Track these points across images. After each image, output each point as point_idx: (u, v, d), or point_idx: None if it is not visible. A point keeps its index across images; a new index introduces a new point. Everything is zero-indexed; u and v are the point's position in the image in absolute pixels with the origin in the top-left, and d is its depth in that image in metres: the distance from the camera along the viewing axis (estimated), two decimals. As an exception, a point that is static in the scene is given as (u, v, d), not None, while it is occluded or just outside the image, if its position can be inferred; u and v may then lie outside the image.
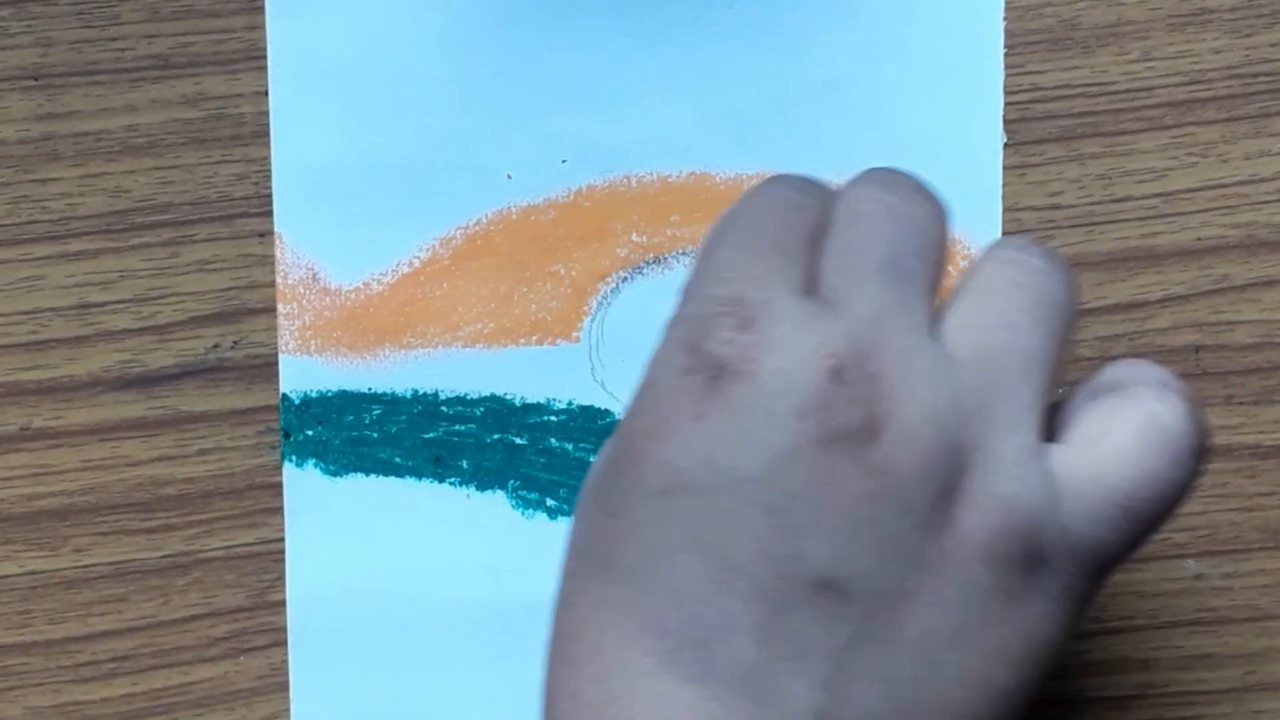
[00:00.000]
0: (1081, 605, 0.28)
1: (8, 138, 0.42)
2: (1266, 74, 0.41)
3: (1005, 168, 0.41)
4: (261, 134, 0.42)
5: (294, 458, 0.42)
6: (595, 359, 0.42)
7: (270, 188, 0.42)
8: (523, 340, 0.42)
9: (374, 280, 0.42)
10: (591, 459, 0.42)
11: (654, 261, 0.42)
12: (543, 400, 0.42)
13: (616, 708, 0.26)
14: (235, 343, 0.42)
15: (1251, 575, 0.42)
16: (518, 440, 0.42)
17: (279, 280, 0.42)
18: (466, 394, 0.42)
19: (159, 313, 0.42)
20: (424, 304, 0.42)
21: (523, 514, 0.42)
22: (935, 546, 0.26)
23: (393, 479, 0.42)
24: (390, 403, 0.42)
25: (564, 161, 0.42)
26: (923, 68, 0.41)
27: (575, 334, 0.42)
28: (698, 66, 0.42)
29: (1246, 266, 0.41)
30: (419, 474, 0.42)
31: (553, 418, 0.42)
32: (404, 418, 0.42)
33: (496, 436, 0.42)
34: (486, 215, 0.42)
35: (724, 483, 0.26)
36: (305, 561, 0.42)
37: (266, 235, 0.42)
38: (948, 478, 0.26)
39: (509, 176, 0.42)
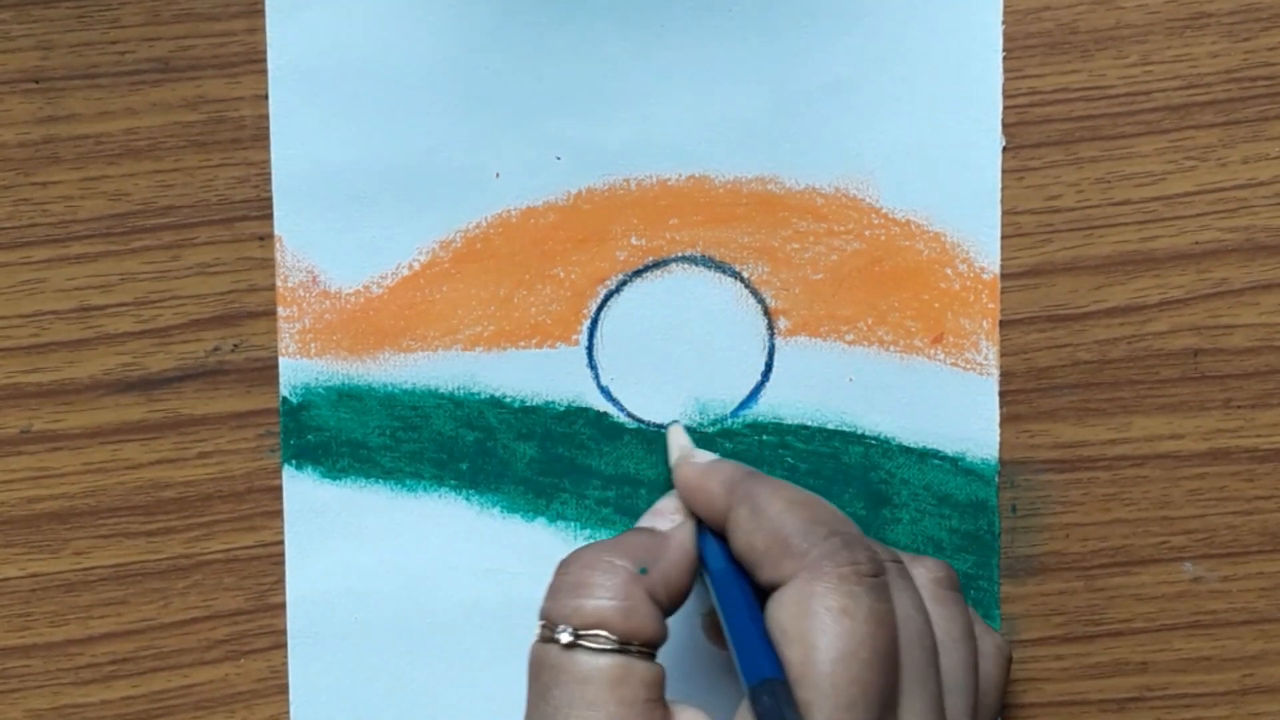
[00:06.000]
0: None
1: (8, 141, 0.42)
2: (1265, 78, 0.41)
3: (1004, 171, 0.41)
4: (262, 137, 0.42)
5: (294, 461, 0.42)
6: (595, 362, 0.42)
7: (270, 191, 0.42)
8: (522, 343, 0.42)
9: (374, 283, 0.42)
10: (591, 462, 0.42)
11: (653, 264, 0.42)
12: (542, 403, 0.42)
13: None
14: (235, 346, 0.42)
15: (1249, 578, 0.42)
16: (517, 443, 0.42)
17: (279, 283, 0.42)
18: (466, 396, 0.42)
19: (159, 316, 0.42)
20: (424, 307, 0.42)
21: (522, 517, 0.42)
22: None
23: (392, 482, 0.42)
24: (390, 405, 0.42)
25: (559, 159, 0.42)
26: (921, 71, 0.41)
27: (575, 337, 0.42)
28: (697, 70, 0.42)
29: (1245, 270, 0.42)
30: (418, 477, 0.42)
31: (552, 420, 0.42)
32: (403, 420, 0.42)
33: (496, 439, 0.42)
34: (486, 218, 0.42)
35: None
36: (305, 564, 0.42)
37: (267, 238, 0.42)
38: None
39: (497, 175, 0.42)
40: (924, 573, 0.38)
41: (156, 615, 0.43)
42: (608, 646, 0.35)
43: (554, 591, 0.36)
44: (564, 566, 0.36)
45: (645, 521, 0.39)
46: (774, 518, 0.36)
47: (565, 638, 0.35)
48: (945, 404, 0.41)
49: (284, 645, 0.42)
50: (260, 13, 0.42)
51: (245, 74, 0.42)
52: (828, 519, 0.36)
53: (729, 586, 0.37)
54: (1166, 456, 0.42)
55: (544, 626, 0.36)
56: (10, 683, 0.43)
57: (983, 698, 0.38)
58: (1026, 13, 0.41)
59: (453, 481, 0.42)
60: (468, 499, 0.42)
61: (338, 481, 0.42)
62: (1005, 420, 0.42)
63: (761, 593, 0.36)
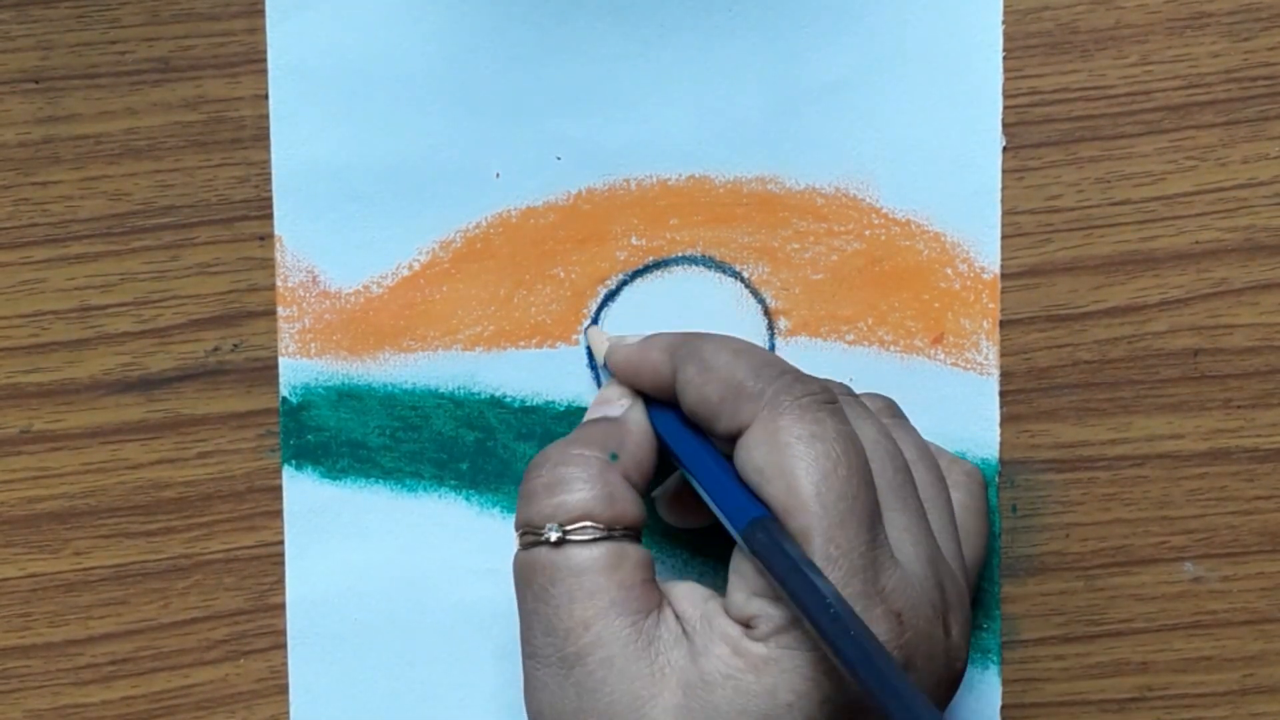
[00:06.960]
0: None
1: (8, 140, 0.42)
2: (1265, 78, 0.41)
3: (1004, 171, 0.41)
4: (262, 137, 0.42)
5: (293, 461, 0.42)
6: (595, 362, 0.42)
7: (270, 191, 0.42)
8: (522, 343, 0.42)
9: (374, 283, 0.42)
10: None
11: (654, 265, 0.42)
12: (542, 403, 0.42)
13: None
14: (235, 346, 0.42)
15: (1249, 578, 0.42)
16: (517, 443, 0.42)
17: (279, 283, 0.42)
18: (466, 396, 0.42)
19: (159, 316, 0.42)
20: (424, 307, 0.42)
21: (522, 517, 0.42)
22: None
23: (392, 482, 0.42)
24: (390, 405, 0.42)
25: (559, 159, 0.42)
26: (922, 71, 0.41)
27: (575, 337, 0.42)
28: (697, 70, 0.42)
29: (1244, 270, 0.42)
30: (418, 477, 0.42)
31: (552, 420, 0.42)
32: (403, 420, 0.42)
33: (496, 439, 0.42)
34: (486, 218, 0.42)
35: None
36: (305, 564, 0.42)
37: (266, 238, 0.42)
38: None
39: (497, 175, 0.42)
40: (870, 403, 0.38)
41: (156, 615, 0.43)
42: (597, 535, 0.35)
43: (530, 496, 0.36)
44: (535, 470, 0.36)
45: (595, 413, 0.38)
46: (723, 367, 0.35)
47: (554, 535, 0.35)
48: (945, 404, 0.41)
49: (284, 645, 0.42)
50: (260, 13, 0.42)
51: (245, 74, 0.42)
52: (775, 360, 0.36)
53: (692, 447, 0.37)
54: (1166, 456, 0.42)
55: (526, 534, 0.35)
56: (10, 683, 0.43)
57: (963, 524, 0.38)
58: (1026, 13, 0.41)
59: (453, 481, 0.42)
60: (468, 499, 0.42)
61: (338, 481, 0.42)
62: (1005, 420, 0.42)
63: (724, 447, 0.36)
